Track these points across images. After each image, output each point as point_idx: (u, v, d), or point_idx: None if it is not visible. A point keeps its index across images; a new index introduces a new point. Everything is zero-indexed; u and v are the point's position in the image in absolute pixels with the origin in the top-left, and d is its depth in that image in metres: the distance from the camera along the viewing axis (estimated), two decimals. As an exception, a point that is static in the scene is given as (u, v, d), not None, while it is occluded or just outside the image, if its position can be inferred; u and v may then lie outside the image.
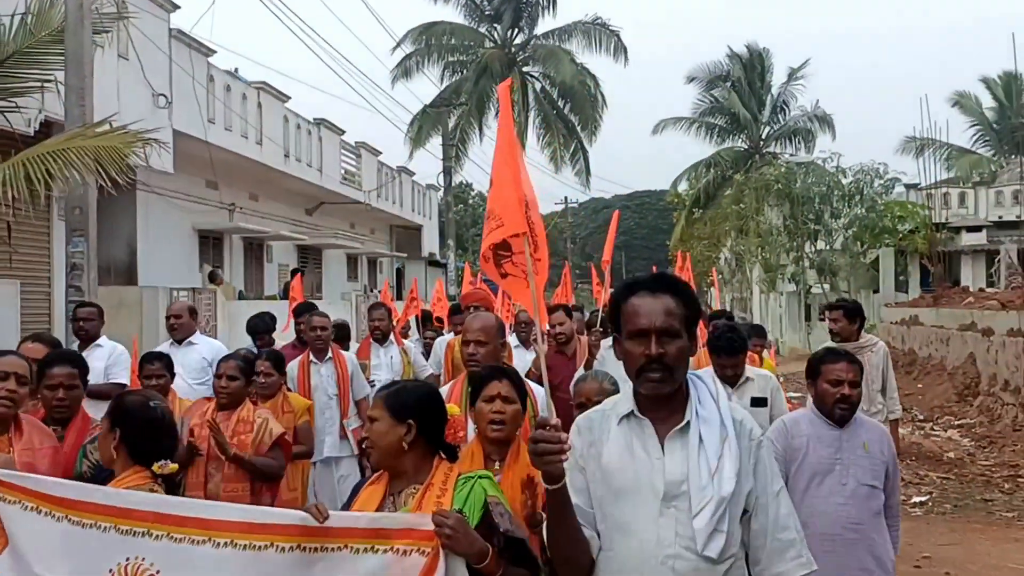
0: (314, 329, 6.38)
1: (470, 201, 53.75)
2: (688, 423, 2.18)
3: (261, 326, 7.37)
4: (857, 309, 6.05)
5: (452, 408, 2.70)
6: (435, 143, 34.53)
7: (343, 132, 18.86)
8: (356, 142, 20.25)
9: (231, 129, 13.79)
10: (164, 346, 6.37)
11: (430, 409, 2.60)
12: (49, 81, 8.21)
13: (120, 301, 11.31)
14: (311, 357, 6.34)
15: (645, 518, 2.12)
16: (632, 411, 2.22)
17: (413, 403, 2.56)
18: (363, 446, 6.00)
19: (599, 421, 2.28)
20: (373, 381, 6.85)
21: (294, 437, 5.08)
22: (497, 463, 2.98)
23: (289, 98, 15.96)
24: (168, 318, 6.52)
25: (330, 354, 6.42)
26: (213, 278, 13.76)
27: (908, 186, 26.07)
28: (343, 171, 19.22)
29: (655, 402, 2.19)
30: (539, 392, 3.66)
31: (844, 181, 23.52)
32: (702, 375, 2.36)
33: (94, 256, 8.27)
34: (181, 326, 6.41)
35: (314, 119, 17.65)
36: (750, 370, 4.96)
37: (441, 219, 29.69)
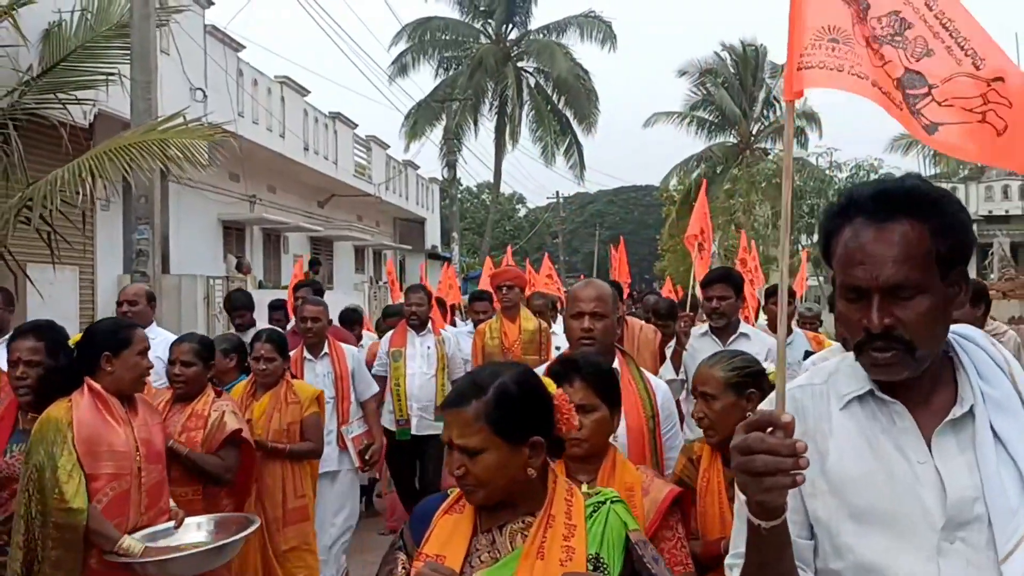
0: (304, 320, 5.52)
1: (458, 196, 54.21)
2: (970, 409, 1.44)
3: (239, 300, 6.78)
4: (983, 292, 4.76)
5: (549, 384, 1.90)
6: (432, 136, 35.01)
7: (356, 126, 19.22)
8: (367, 136, 20.61)
9: (258, 122, 14.12)
10: None
11: (547, 408, 1.85)
12: (113, 75, 8.51)
13: (158, 289, 11.66)
14: (305, 352, 5.55)
15: (912, 559, 1.39)
16: (871, 389, 1.48)
17: (531, 410, 1.81)
18: (366, 457, 5.59)
19: (810, 402, 1.53)
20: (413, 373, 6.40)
21: (300, 432, 4.59)
22: (585, 483, 2.11)
23: (309, 92, 16.30)
24: (120, 304, 5.28)
25: (326, 349, 5.59)
26: (240, 267, 14.10)
27: (901, 180, 26.75)
28: (355, 164, 19.59)
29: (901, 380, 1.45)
30: (659, 385, 3.08)
31: (840, 176, 24.09)
32: (970, 334, 1.54)
33: (158, 243, 8.60)
34: (136, 314, 5.06)
35: (329, 112, 17.99)
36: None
37: (443, 212, 30.08)
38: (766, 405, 1.59)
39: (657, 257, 48.60)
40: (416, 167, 26.99)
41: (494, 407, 1.77)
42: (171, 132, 7.25)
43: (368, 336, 8.28)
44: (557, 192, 55.83)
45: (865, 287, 1.42)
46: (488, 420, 1.75)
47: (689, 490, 2.68)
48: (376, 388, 5.91)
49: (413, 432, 6.40)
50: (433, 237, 29.07)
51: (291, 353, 5.16)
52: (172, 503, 3.49)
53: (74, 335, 4.00)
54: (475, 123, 36.70)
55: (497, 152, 37.32)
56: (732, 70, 37.88)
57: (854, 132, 35.95)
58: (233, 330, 6.35)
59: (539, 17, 45.41)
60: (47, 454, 3.03)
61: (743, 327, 4.73)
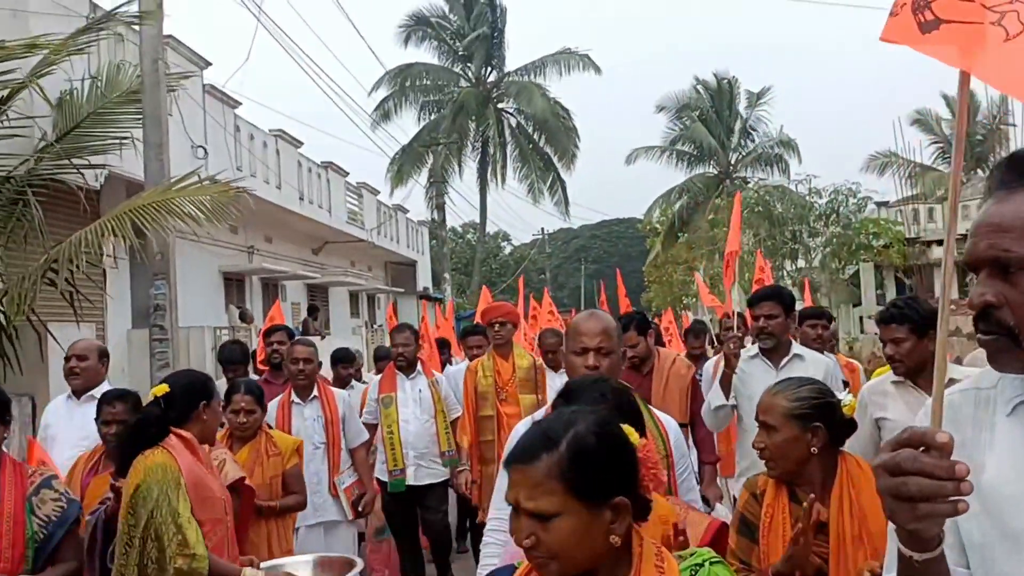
0: (296, 361, 5.26)
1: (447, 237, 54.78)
2: None
3: (235, 354, 6.35)
4: None
5: (631, 433, 1.65)
6: (418, 179, 35.57)
7: (347, 174, 19.66)
8: (358, 183, 21.06)
9: (255, 175, 14.51)
10: (59, 399, 4.97)
11: (631, 463, 1.60)
12: (126, 139, 8.88)
13: (173, 342, 11.96)
14: (293, 396, 5.29)
15: None
16: None
17: (613, 465, 1.56)
18: (359, 508, 5.33)
19: (971, 408, 1.35)
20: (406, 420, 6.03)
21: (283, 485, 4.36)
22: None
23: (302, 143, 16.74)
24: (68, 359, 4.80)
25: (316, 392, 5.33)
26: (243, 317, 14.40)
27: (879, 204, 27.34)
28: (348, 211, 19.99)
29: None
30: (670, 424, 2.89)
31: (820, 201, 24.70)
32: None
33: (175, 298, 8.92)
34: (84, 371, 4.72)
35: (321, 162, 18.42)
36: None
37: (433, 254, 30.51)
38: (922, 419, 1.34)
39: (644, 288, 49.16)
40: (406, 211, 27.46)
41: (570, 463, 1.50)
42: (188, 191, 7.61)
43: (360, 384, 7.53)
44: (542, 228, 56.23)
45: (972, 260, 1.25)
46: (563, 479, 1.49)
47: (752, 528, 2.56)
48: (366, 436, 5.62)
49: (410, 482, 6.01)
50: (424, 279, 29.45)
51: (277, 399, 5.20)
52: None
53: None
54: (459, 164, 37.34)
55: (482, 192, 37.92)
56: (708, 103, 38.72)
57: (828, 156, 36.77)
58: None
59: (517, 58, 46.29)
60: (164, 500, 2.98)
61: (796, 348, 4.44)
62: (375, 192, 22.60)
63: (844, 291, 24.71)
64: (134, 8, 8.63)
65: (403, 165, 35.67)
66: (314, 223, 17.83)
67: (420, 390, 6.13)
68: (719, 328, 8.10)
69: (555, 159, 37.93)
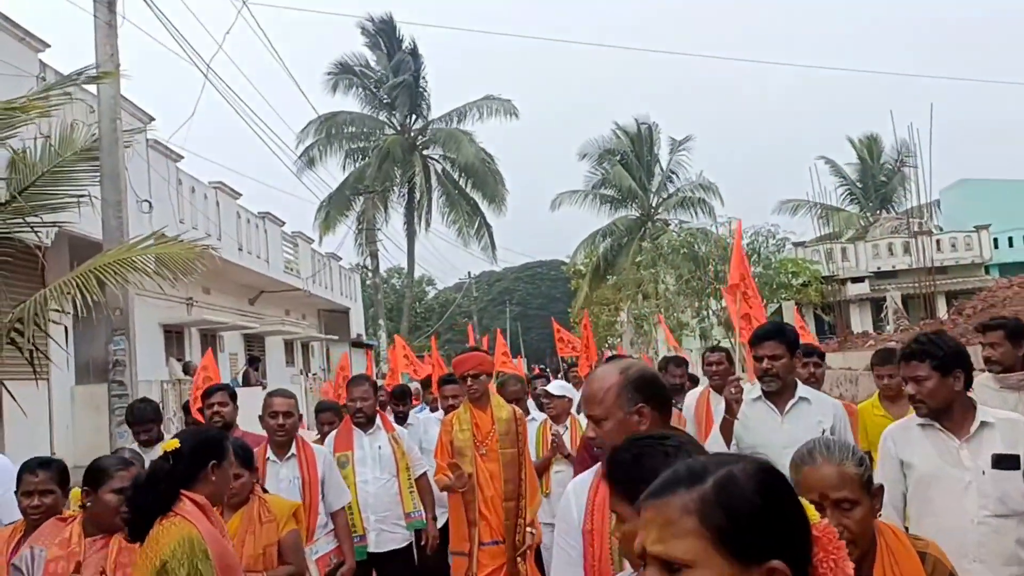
0: (275, 415, 4.82)
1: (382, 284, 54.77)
2: None
3: (145, 413, 5.69)
4: (1020, 328, 4.37)
5: (808, 508, 1.34)
6: (346, 223, 35.64)
7: (283, 223, 19.75)
8: (293, 232, 21.13)
9: (197, 227, 14.56)
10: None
11: (799, 526, 1.29)
12: (83, 196, 8.96)
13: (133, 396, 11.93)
14: (269, 454, 4.90)
15: None
16: None
17: (774, 519, 1.23)
18: None
19: None
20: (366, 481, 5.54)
21: (279, 554, 3.95)
22: None
23: (240, 195, 16.82)
24: None
25: (293, 450, 4.91)
26: (187, 370, 14.33)
27: (796, 244, 28.56)
28: (285, 260, 20.05)
29: None
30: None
31: (743, 243, 25.72)
32: None
33: (135, 353, 8.97)
34: None
35: (258, 212, 18.50)
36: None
37: (367, 300, 30.55)
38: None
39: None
40: (339, 259, 27.53)
41: (716, 502, 1.21)
42: (152, 249, 7.76)
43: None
44: (469, 272, 56.64)
45: None
46: (704, 519, 1.20)
47: None
48: (348, 497, 5.18)
49: (371, 549, 5.54)
50: (358, 326, 29.46)
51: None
52: None
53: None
54: (386, 210, 37.57)
55: (409, 238, 38.17)
56: (629, 147, 39.87)
57: (744, 200, 38.17)
58: (137, 446, 5.47)
59: (441, 107, 46.92)
60: (194, 573, 2.84)
61: (801, 390, 4.05)
62: (309, 241, 22.71)
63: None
64: (86, 66, 8.77)
65: (330, 212, 35.78)
66: (252, 273, 17.85)
67: (380, 447, 5.63)
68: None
69: (482, 204, 38.48)
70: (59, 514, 3.48)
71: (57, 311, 7.35)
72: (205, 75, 11.01)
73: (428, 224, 37.95)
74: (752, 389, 4.14)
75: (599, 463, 2.43)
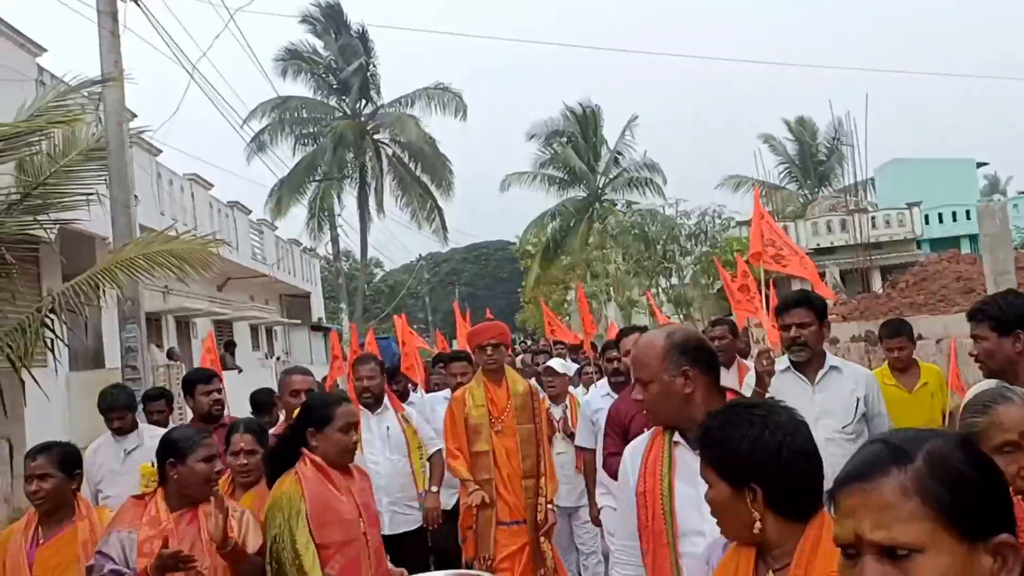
0: (296, 394, 4.69)
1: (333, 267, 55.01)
2: None
3: (119, 400, 5.54)
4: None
5: None
6: (295, 210, 36.00)
7: (250, 212, 20.29)
8: (258, 219, 21.66)
9: (176, 219, 15.09)
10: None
11: (1008, 495, 1.22)
12: (92, 195, 9.53)
13: (106, 381, 12.48)
14: None
15: None
16: None
17: (990, 491, 1.16)
18: None
19: None
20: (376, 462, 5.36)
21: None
22: (771, 572, 1.83)
23: (212, 185, 17.35)
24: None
25: None
26: (172, 355, 14.89)
27: (741, 223, 29.84)
28: (252, 247, 20.58)
29: None
30: None
31: (688, 222, 26.86)
32: None
33: (146, 340, 9.60)
34: None
35: (228, 202, 19.01)
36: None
37: (327, 285, 31.08)
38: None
39: (517, 309, 50.85)
40: (299, 244, 28.03)
41: (934, 479, 1.15)
42: (170, 245, 8.42)
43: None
44: (419, 255, 57.12)
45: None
46: (927, 499, 1.14)
47: None
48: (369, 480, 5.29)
49: (384, 531, 5.03)
50: (318, 310, 29.99)
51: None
52: (388, 565, 3.61)
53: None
54: (338, 195, 37.96)
55: (362, 222, 38.60)
56: (576, 129, 40.77)
57: (686, 178, 39.40)
58: (111, 434, 5.40)
59: (391, 92, 47.28)
60: (285, 527, 3.18)
61: (831, 359, 3.97)
62: (274, 228, 23.23)
63: (714, 305, 26.87)
64: (86, 72, 9.31)
65: (282, 197, 36.06)
66: (223, 260, 18.38)
67: (388, 427, 5.49)
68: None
69: (432, 186, 39.06)
70: (64, 497, 3.59)
71: (86, 303, 7.95)
72: (191, 75, 11.57)
73: (381, 207, 38.41)
74: (779, 360, 4.01)
75: (655, 428, 2.58)
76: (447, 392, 6.61)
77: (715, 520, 1.89)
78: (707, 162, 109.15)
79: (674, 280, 27.27)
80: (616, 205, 37.08)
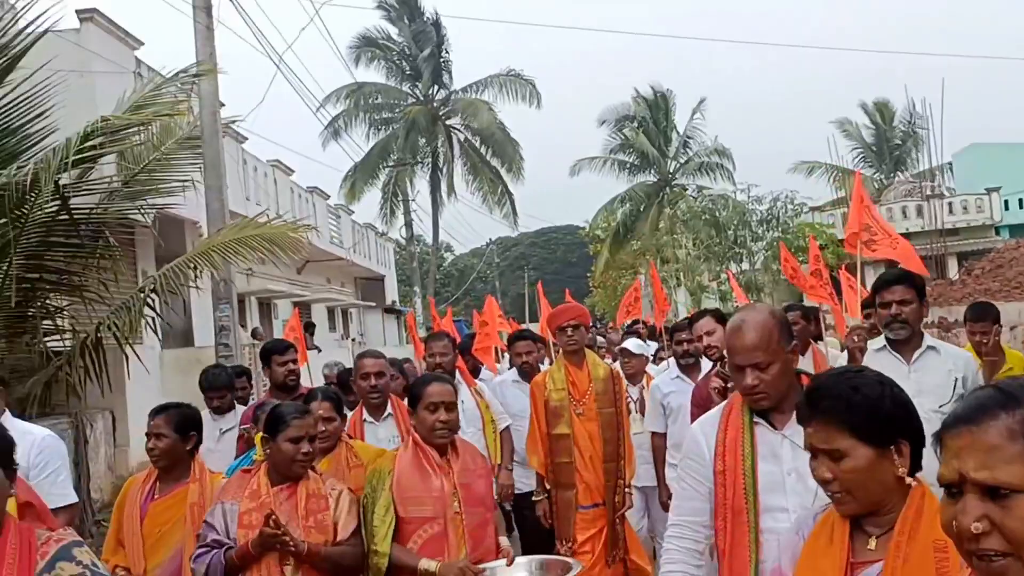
0: (367, 376, 4.71)
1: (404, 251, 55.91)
2: None
3: (219, 380, 5.65)
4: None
5: None
6: (366, 198, 36.78)
7: (328, 196, 20.93)
8: (336, 204, 22.32)
9: (260, 204, 15.72)
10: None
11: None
12: (187, 181, 10.10)
13: (196, 358, 13.15)
14: (365, 415, 4.78)
15: None
16: None
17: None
18: None
19: None
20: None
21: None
22: (874, 538, 1.84)
23: (293, 171, 17.96)
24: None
25: (390, 409, 4.78)
26: (255, 335, 15.55)
27: (814, 208, 29.53)
28: (330, 231, 21.23)
29: None
30: None
31: (760, 208, 26.72)
32: None
33: (237, 319, 10.15)
34: None
35: (307, 187, 19.64)
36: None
37: (401, 269, 31.74)
38: None
39: (587, 293, 51.00)
40: (375, 228, 28.68)
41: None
42: (264, 229, 8.90)
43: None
44: (489, 239, 57.55)
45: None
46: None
47: None
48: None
49: None
50: (392, 293, 30.67)
51: (350, 415, 4.66)
52: (505, 541, 3.64)
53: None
54: (410, 180, 38.60)
55: (434, 206, 39.22)
56: (647, 114, 40.64)
57: (758, 163, 38.91)
58: (209, 412, 5.44)
59: (463, 78, 47.71)
60: (371, 498, 3.42)
61: (928, 339, 3.89)
62: (350, 212, 23.87)
63: (786, 291, 26.74)
64: (177, 63, 9.87)
65: (356, 181, 36.82)
66: (300, 245, 19.06)
67: (463, 401, 5.24)
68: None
69: (503, 171, 39.41)
70: (178, 457, 3.72)
71: (182, 285, 8.49)
72: (277, 66, 12.09)
73: (453, 192, 38.89)
74: (875, 340, 3.94)
75: (724, 401, 2.63)
76: (513, 373, 6.54)
77: (832, 492, 1.81)
78: (776, 147, 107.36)
79: (744, 265, 27.16)
80: (687, 190, 36.92)
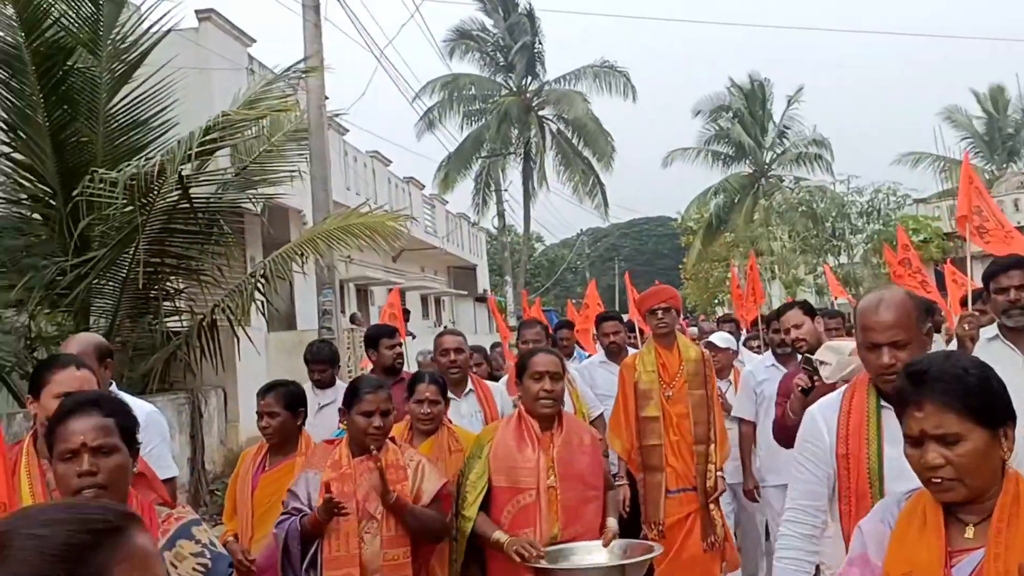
0: (446, 352, 4.89)
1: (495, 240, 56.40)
2: None
3: (323, 353, 5.77)
4: None
5: None
6: (459, 188, 37.27)
7: (423, 187, 21.40)
8: (431, 194, 22.80)
9: (359, 193, 16.22)
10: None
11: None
12: (295, 172, 10.55)
13: (300, 341, 13.68)
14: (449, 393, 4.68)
15: None
16: None
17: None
18: None
19: None
20: None
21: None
22: (971, 527, 1.81)
23: (391, 162, 18.46)
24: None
25: (471, 385, 4.94)
26: (354, 320, 16.08)
27: (918, 200, 28.68)
28: (424, 221, 21.73)
29: None
30: None
31: (860, 199, 26.10)
32: None
33: (339, 303, 10.58)
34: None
35: (404, 177, 20.13)
36: None
37: (493, 259, 32.17)
38: None
39: (678, 285, 50.47)
40: (468, 218, 29.11)
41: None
42: (366, 218, 9.28)
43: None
44: (580, 230, 57.47)
45: None
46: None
47: None
48: None
49: None
50: (484, 282, 31.10)
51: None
52: (612, 522, 3.60)
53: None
54: (502, 170, 38.94)
55: (525, 197, 39.45)
56: (742, 104, 39.96)
57: (859, 155, 37.75)
58: (311, 386, 5.52)
59: (556, 69, 47.71)
60: (467, 464, 3.61)
61: None
62: (444, 202, 24.33)
63: (886, 286, 26.16)
64: (285, 59, 10.27)
65: (449, 171, 37.34)
66: (400, 233, 19.58)
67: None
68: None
69: (594, 161, 39.37)
70: (289, 433, 3.91)
71: (295, 272, 8.93)
72: (379, 61, 12.47)
73: (545, 182, 39.03)
74: (987, 329, 3.79)
75: (848, 388, 2.57)
76: (600, 355, 6.59)
77: (940, 478, 1.76)
78: (879, 138, 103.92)
79: (843, 259, 26.60)
80: (783, 181, 36.21)
